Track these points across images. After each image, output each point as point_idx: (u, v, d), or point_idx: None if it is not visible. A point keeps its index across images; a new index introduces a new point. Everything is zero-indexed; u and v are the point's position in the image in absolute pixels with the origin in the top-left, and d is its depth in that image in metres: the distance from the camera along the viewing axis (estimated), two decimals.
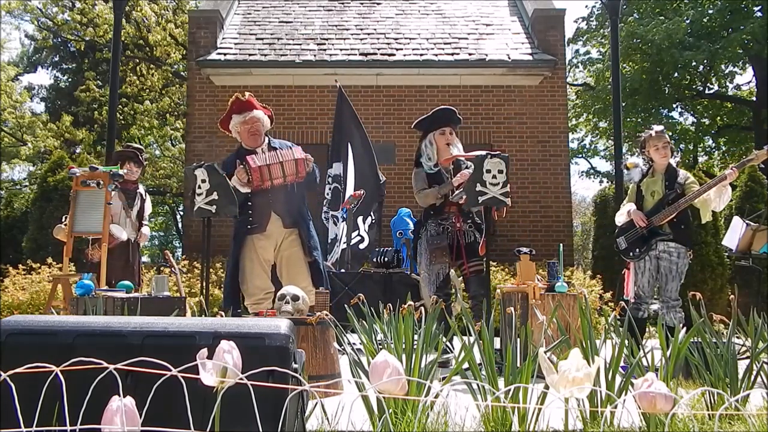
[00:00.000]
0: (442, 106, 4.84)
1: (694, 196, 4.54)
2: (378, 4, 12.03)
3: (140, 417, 1.42)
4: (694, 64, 16.09)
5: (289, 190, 4.47)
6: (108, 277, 5.16)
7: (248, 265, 4.51)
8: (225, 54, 10.41)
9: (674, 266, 4.60)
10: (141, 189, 5.80)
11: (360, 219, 7.31)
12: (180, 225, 22.93)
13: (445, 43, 10.65)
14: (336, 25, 11.27)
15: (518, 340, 2.60)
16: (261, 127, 4.56)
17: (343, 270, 6.48)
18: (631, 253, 4.78)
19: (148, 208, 5.87)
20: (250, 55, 10.42)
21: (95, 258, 5.23)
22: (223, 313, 3.50)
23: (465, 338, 2.73)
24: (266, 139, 4.64)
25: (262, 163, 4.31)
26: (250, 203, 4.49)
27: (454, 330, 2.70)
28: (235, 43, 10.71)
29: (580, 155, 22.74)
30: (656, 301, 4.77)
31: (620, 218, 4.93)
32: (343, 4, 12.00)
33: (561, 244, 4.75)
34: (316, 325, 3.30)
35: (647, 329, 5.45)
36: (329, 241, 7.29)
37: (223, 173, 4.40)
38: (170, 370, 1.48)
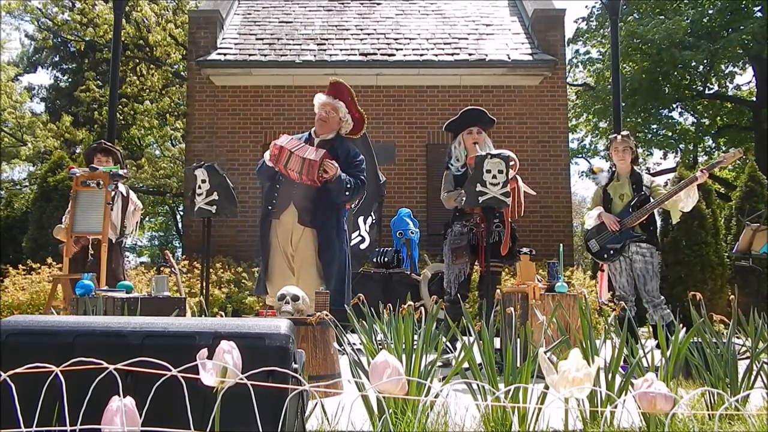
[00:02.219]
0: (470, 107, 4.80)
1: (666, 197, 4.67)
2: (378, 4, 12.03)
3: (140, 417, 1.42)
4: (694, 64, 16.10)
5: (316, 190, 4.33)
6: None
7: (273, 251, 4.49)
8: (225, 54, 10.41)
9: (650, 266, 4.71)
10: (122, 188, 5.31)
11: (360, 219, 7.31)
12: (180, 225, 22.93)
13: (445, 44, 10.64)
14: (336, 26, 11.27)
15: (518, 340, 2.60)
16: (332, 117, 4.47)
17: None
18: (605, 255, 4.86)
19: (134, 204, 5.42)
20: (250, 55, 10.41)
21: (64, 252, 5.02)
22: (223, 313, 3.50)
23: (465, 338, 2.73)
24: (333, 135, 4.50)
25: (289, 147, 4.21)
26: (278, 186, 4.44)
27: (455, 330, 2.70)
28: (235, 44, 10.71)
29: (580, 155, 22.74)
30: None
31: (590, 221, 5.00)
32: (343, 4, 12.00)
33: (561, 245, 4.76)
34: (316, 325, 3.29)
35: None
36: None
37: (223, 173, 4.38)
38: (170, 370, 1.47)
